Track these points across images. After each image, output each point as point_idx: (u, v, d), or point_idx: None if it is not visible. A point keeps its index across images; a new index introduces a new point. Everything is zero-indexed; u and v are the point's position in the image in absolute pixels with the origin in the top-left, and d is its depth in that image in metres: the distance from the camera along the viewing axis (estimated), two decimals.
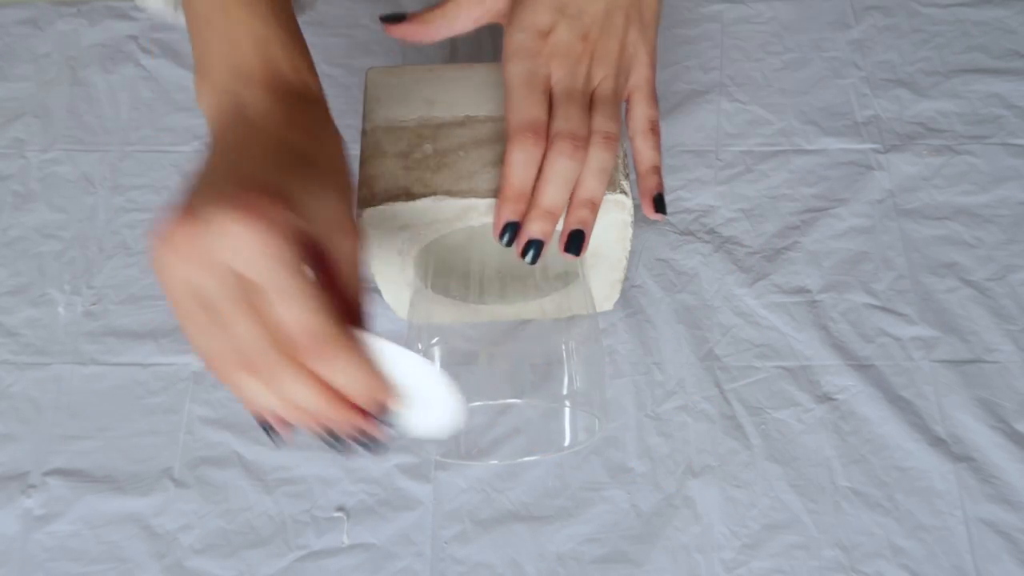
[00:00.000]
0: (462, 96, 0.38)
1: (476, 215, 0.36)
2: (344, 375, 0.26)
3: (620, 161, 0.38)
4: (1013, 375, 0.43)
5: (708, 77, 0.53)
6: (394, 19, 0.40)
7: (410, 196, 0.35)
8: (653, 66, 0.39)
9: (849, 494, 0.41)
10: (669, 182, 0.50)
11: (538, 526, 0.41)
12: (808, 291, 0.46)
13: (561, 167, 0.34)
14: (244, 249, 0.24)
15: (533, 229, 0.35)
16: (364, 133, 0.38)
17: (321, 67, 0.58)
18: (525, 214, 0.35)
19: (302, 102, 0.31)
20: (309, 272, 0.25)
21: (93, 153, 0.51)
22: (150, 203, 0.49)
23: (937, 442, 0.42)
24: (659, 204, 0.38)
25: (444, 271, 0.38)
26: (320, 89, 0.32)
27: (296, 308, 0.25)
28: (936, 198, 0.49)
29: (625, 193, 0.36)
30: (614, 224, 0.37)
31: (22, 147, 0.52)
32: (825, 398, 0.43)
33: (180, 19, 0.33)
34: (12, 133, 0.52)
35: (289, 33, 0.31)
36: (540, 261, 0.37)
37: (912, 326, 0.45)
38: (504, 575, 0.39)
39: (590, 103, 0.36)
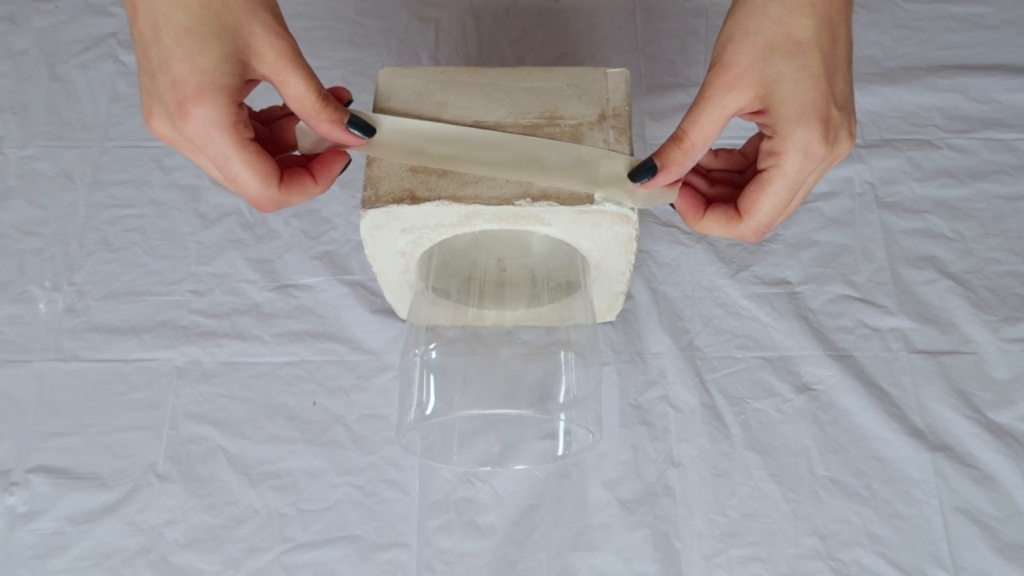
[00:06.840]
0: (472, 101, 0.37)
1: (480, 221, 0.36)
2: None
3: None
4: (990, 366, 0.44)
5: (692, 71, 0.53)
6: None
7: (415, 199, 0.35)
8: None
9: (827, 483, 0.41)
10: None
11: (523, 515, 0.41)
12: (788, 283, 0.47)
13: None
14: None
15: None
16: None
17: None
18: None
19: None
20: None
21: (72, 149, 0.51)
22: (130, 199, 0.49)
23: (914, 432, 0.42)
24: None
25: (446, 274, 0.38)
26: None
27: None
28: (916, 192, 0.49)
29: (632, 208, 0.35)
30: (618, 237, 0.37)
31: (0, 144, 0.51)
32: (804, 388, 0.44)
33: None
34: None
35: None
36: (543, 270, 0.36)
37: (891, 317, 0.45)
38: (489, 564, 0.40)
39: None
